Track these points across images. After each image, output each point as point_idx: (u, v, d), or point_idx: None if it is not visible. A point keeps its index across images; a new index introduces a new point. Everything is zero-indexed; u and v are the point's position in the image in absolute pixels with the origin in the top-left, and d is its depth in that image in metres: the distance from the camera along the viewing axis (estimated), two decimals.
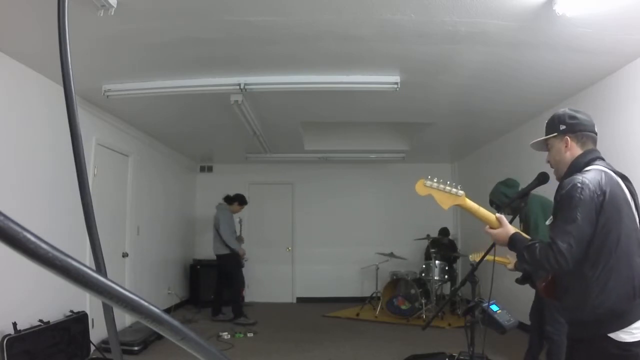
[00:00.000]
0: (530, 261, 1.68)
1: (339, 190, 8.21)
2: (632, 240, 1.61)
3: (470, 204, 1.87)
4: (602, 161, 1.77)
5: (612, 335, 1.55)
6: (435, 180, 1.87)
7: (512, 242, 1.77)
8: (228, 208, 6.54)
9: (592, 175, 1.65)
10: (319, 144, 7.09)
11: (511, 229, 1.81)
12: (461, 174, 8.17)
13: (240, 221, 6.87)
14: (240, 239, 6.72)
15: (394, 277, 6.77)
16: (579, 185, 1.63)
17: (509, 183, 3.54)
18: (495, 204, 3.46)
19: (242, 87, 3.97)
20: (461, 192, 1.85)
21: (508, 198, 3.33)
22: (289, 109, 5.08)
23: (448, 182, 1.87)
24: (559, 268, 1.60)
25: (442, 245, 7.02)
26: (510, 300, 4.55)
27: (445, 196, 1.85)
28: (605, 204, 1.60)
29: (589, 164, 1.75)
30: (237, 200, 6.58)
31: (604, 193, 1.61)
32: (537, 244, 1.66)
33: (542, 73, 3.80)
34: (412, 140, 6.91)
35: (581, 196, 1.60)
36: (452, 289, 6.63)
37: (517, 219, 2.88)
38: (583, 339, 1.66)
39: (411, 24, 2.99)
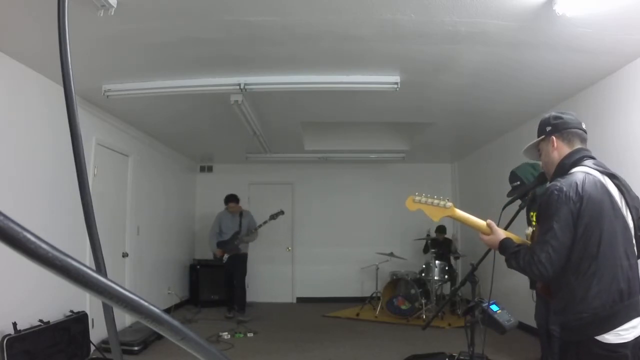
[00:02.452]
0: (517, 268, 1.71)
1: (339, 191, 8.21)
2: (616, 243, 1.59)
3: (460, 213, 1.92)
4: (591, 160, 1.75)
5: (598, 337, 1.55)
6: (423, 196, 1.94)
7: (502, 248, 1.80)
8: (226, 209, 6.70)
9: (571, 180, 1.65)
10: (319, 144, 7.09)
11: (501, 235, 1.82)
12: (461, 174, 8.17)
13: (240, 218, 6.70)
14: (236, 237, 6.56)
15: (394, 277, 6.77)
16: (555, 192, 1.63)
17: (536, 167, 3.42)
18: (520, 181, 3.33)
19: (242, 87, 3.98)
20: (449, 203, 1.91)
21: (534, 179, 3.24)
22: (289, 109, 5.08)
23: (435, 196, 1.93)
24: (540, 276, 1.63)
25: (438, 243, 7.02)
26: (510, 300, 4.55)
27: (435, 209, 1.92)
28: (583, 209, 1.59)
29: (574, 164, 1.74)
30: (225, 202, 6.71)
31: (581, 199, 1.60)
32: (521, 252, 1.69)
33: (542, 73, 3.80)
34: (412, 140, 6.91)
35: (557, 204, 1.61)
36: (452, 289, 6.62)
37: (524, 211, 2.84)
38: (572, 341, 1.65)
39: (411, 24, 2.99)
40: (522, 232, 2.04)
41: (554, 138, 1.81)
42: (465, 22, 2.94)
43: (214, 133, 6.16)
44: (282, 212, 6.82)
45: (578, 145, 1.80)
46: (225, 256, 6.51)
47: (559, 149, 1.81)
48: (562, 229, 1.59)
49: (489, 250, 2.18)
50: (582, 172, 1.68)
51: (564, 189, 1.63)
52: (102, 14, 2.60)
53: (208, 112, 5.10)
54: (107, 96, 4.16)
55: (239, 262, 6.58)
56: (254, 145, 6.58)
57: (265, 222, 6.68)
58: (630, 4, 2.66)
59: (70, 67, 0.67)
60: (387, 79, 3.95)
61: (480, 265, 2.53)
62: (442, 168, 8.38)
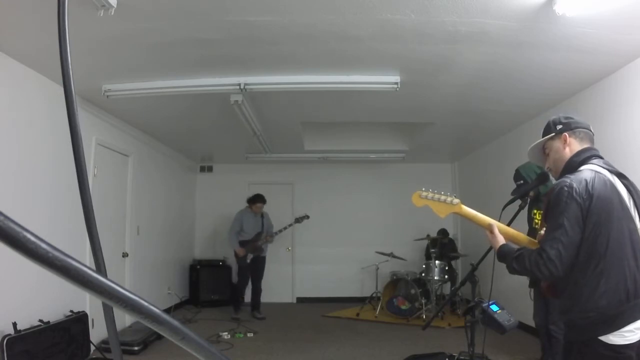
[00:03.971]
0: (522, 271, 1.68)
1: (339, 190, 8.21)
2: (624, 242, 1.58)
3: (467, 210, 1.89)
4: (599, 159, 1.75)
5: (603, 338, 1.54)
6: (430, 191, 1.91)
7: (501, 254, 1.78)
8: (249, 208, 6.64)
9: (581, 177, 1.64)
10: (319, 144, 7.09)
11: (501, 240, 1.81)
12: (461, 174, 8.17)
13: (262, 219, 6.66)
14: (259, 237, 6.53)
15: (394, 277, 6.76)
16: (565, 189, 1.62)
17: (542, 166, 3.40)
18: (523, 179, 3.31)
19: (242, 87, 3.98)
20: (457, 200, 1.88)
21: (535, 178, 3.21)
22: (289, 109, 5.08)
23: (443, 192, 1.89)
24: (550, 275, 1.60)
25: (442, 245, 7.01)
26: (510, 300, 4.55)
27: (442, 205, 1.89)
28: (593, 207, 1.58)
29: (583, 163, 1.74)
30: (248, 202, 6.66)
31: (591, 196, 1.59)
32: (524, 253, 1.66)
33: (542, 73, 3.80)
34: (412, 140, 6.91)
35: (567, 200, 1.60)
36: (452, 289, 6.62)
37: (524, 210, 2.83)
38: (576, 340, 1.65)
39: (411, 24, 2.99)
40: (522, 232, 2.03)
41: (567, 135, 1.81)
42: (465, 22, 2.94)
43: (214, 133, 6.16)
44: (307, 217, 7.00)
45: (587, 145, 1.81)
46: (250, 256, 6.45)
47: (571, 145, 1.80)
48: (572, 226, 1.58)
49: (489, 250, 2.18)
50: (591, 171, 1.68)
51: (574, 185, 1.62)
52: (102, 14, 2.60)
53: (208, 112, 5.10)
54: (107, 96, 4.16)
55: (262, 265, 6.65)
56: (254, 145, 6.58)
57: (290, 225, 6.84)
58: (630, 4, 2.66)
59: (70, 67, 0.67)
60: (387, 79, 3.95)
61: (480, 265, 2.53)
62: (442, 168, 8.38)
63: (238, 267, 6.61)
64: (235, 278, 7.51)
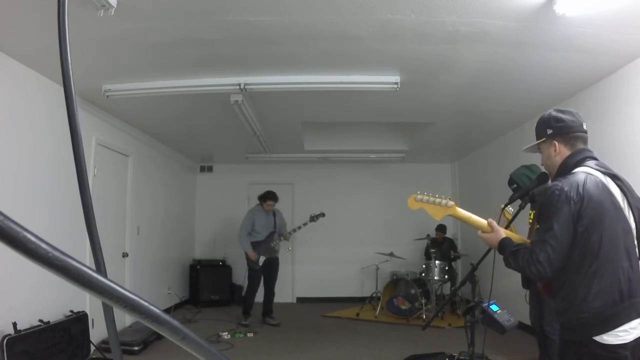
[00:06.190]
0: (515, 267, 1.72)
1: (339, 190, 8.21)
2: (617, 243, 1.60)
3: (462, 212, 1.93)
4: (593, 160, 1.76)
5: (597, 338, 1.55)
6: (425, 194, 1.96)
7: (501, 247, 1.81)
8: (260, 206, 6.20)
9: (572, 180, 1.66)
10: (319, 144, 7.09)
11: (501, 234, 1.83)
12: (461, 174, 8.17)
13: (274, 217, 6.24)
14: (272, 237, 6.14)
15: (394, 277, 6.77)
16: (556, 192, 1.65)
17: (533, 168, 3.43)
18: (517, 184, 3.34)
19: (242, 87, 3.98)
20: (451, 202, 1.93)
21: (531, 182, 3.27)
22: (289, 109, 5.08)
23: (437, 195, 1.95)
24: (539, 276, 1.64)
25: (441, 245, 7.01)
26: (510, 300, 4.54)
27: (436, 208, 1.94)
28: (584, 209, 1.60)
29: (577, 164, 1.75)
30: (259, 199, 6.24)
31: (582, 198, 1.61)
32: (520, 251, 1.70)
33: (542, 73, 3.80)
34: (412, 140, 6.91)
35: (558, 204, 1.63)
36: (452, 289, 6.62)
37: (524, 211, 2.85)
38: (572, 341, 1.66)
39: (411, 24, 2.99)
40: (522, 232, 2.04)
41: (556, 143, 1.81)
42: (465, 22, 2.94)
43: (214, 133, 6.16)
44: (322, 215, 6.49)
45: (580, 147, 1.81)
46: (262, 258, 6.01)
47: (561, 153, 1.81)
48: (561, 229, 1.60)
49: (489, 250, 2.19)
50: (583, 173, 1.69)
51: (565, 188, 1.63)
52: (102, 14, 2.60)
53: (208, 112, 5.10)
54: (107, 96, 4.16)
55: (276, 267, 6.23)
56: (254, 145, 6.58)
57: (305, 224, 6.36)
58: (630, 4, 2.66)
59: (70, 67, 0.67)
60: (387, 79, 3.96)
61: (480, 265, 2.53)
62: (442, 168, 8.38)
63: (248, 272, 6.10)
64: (236, 279, 7.42)
